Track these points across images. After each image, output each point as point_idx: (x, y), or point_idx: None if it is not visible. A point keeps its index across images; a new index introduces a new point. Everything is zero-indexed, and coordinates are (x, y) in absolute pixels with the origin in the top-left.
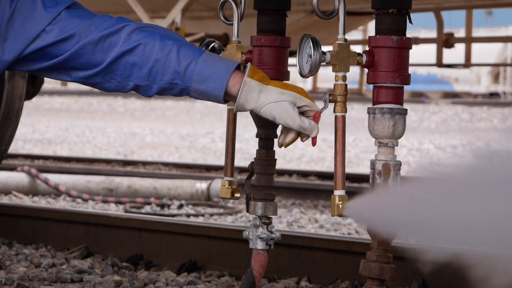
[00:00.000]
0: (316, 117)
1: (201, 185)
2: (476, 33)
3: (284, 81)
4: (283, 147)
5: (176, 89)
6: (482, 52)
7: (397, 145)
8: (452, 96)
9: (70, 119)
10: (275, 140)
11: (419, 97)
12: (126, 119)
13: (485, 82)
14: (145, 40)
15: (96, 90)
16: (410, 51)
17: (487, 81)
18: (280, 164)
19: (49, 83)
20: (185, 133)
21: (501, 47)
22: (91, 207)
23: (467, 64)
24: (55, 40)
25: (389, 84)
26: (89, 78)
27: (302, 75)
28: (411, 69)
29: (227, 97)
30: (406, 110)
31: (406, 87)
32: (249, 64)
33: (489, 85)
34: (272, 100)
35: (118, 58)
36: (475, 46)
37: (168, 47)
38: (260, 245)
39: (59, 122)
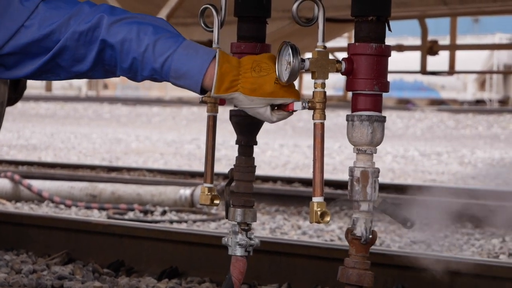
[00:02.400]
0: (288, 108)
1: (185, 192)
2: (462, 40)
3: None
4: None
5: (158, 79)
6: (469, 60)
7: (375, 152)
8: (438, 103)
9: (56, 125)
10: (255, 148)
11: (405, 104)
12: (112, 125)
13: (471, 89)
14: (123, 36)
15: (81, 96)
16: (397, 58)
17: (473, 88)
18: (265, 171)
19: (35, 89)
20: (170, 140)
21: (488, 55)
22: (74, 213)
23: (451, 71)
24: (35, 38)
25: (368, 91)
26: (80, 75)
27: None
28: (398, 76)
29: (205, 90)
30: (384, 117)
31: (393, 94)
32: (216, 68)
33: (475, 92)
34: (244, 106)
35: (102, 51)
36: (461, 54)
37: (144, 44)
38: (239, 251)
39: (44, 128)
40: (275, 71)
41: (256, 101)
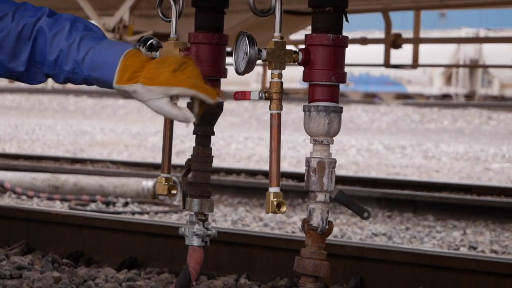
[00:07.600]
0: (245, 97)
1: (147, 183)
2: (429, 34)
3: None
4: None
5: (79, 78)
6: (436, 54)
7: (332, 143)
8: (404, 97)
9: (20, 117)
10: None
11: (372, 98)
12: (77, 117)
13: (437, 84)
14: (56, 30)
15: (47, 88)
16: (363, 51)
17: (440, 82)
18: (229, 163)
19: (0, 81)
20: (135, 132)
21: (454, 49)
22: (36, 204)
23: (415, 64)
24: None
25: (325, 82)
26: (15, 74)
27: (238, 73)
28: (364, 70)
29: None
30: (341, 108)
31: (359, 88)
32: (120, 60)
33: (441, 87)
34: (145, 99)
35: (34, 41)
36: (428, 48)
37: (72, 37)
38: (196, 241)
39: (9, 119)
40: (179, 65)
41: (154, 91)
